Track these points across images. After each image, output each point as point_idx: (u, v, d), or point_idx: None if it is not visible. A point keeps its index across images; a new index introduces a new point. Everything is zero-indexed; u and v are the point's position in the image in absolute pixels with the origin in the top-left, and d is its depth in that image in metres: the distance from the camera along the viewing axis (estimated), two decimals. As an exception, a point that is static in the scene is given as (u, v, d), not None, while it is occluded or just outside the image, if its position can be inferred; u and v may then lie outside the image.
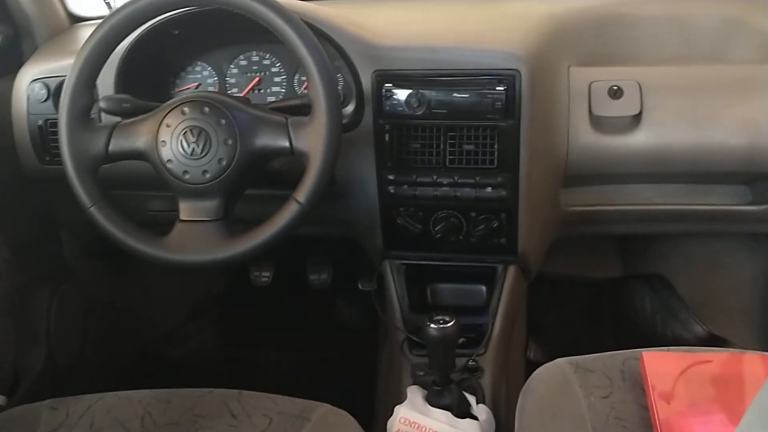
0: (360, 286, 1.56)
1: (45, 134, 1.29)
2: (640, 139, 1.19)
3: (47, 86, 1.28)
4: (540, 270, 1.41)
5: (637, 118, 1.19)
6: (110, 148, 1.05)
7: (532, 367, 1.09)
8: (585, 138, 1.21)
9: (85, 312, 1.58)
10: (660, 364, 0.99)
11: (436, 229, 1.22)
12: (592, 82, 1.20)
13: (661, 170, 1.24)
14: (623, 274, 1.83)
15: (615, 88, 1.19)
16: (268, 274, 1.72)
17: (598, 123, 1.20)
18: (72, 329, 1.53)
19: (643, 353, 1.01)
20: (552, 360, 1.07)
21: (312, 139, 1.00)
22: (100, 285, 1.66)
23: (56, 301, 1.46)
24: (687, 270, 1.72)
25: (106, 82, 1.21)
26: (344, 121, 1.18)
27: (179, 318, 1.87)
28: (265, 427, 0.98)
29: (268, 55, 1.30)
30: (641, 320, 1.74)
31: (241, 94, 1.31)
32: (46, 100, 1.28)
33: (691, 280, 1.71)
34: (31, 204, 1.41)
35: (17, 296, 1.37)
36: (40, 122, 1.29)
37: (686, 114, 1.18)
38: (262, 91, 1.31)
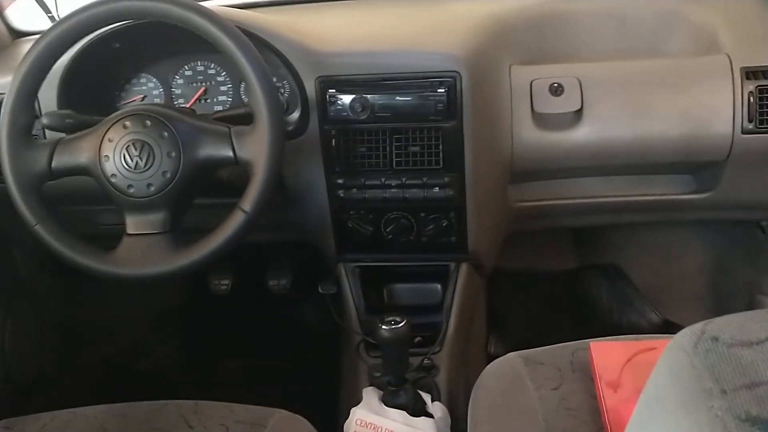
0: (320, 290, 1.56)
1: None
2: (582, 134, 1.22)
3: None
4: (498, 264, 1.43)
5: (578, 114, 1.21)
6: (53, 165, 1.04)
7: (493, 361, 1.10)
8: (528, 135, 1.23)
9: (43, 328, 1.56)
10: (607, 354, 1.01)
11: (387, 230, 1.24)
12: (533, 80, 1.22)
13: (605, 163, 1.26)
14: (579, 265, 1.86)
15: (555, 85, 1.21)
16: (227, 282, 1.72)
17: (540, 120, 1.22)
18: (29, 347, 1.51)
19: (591, 343, 1.03)
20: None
21: (255, 148, 1.01)
22: (58, 300, 1.64)
23: (11, 320, 1.44)
24: (640, 259, 1.76)
25: (48, 97, 1.20)
26: (290, 127, 1.19)
27: (140, 330, 1.86)
28: None
29: (213, 65, 1.30)
30: (598, 310, 1.77)
31: (188, 105, 1.31)
32: None
33: (645, 269, 1.75)
34: None
35: None
36: None
37: (626, 107, 1.21)
38: (209, 101, 1.31)
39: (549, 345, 1.08)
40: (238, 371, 1.78)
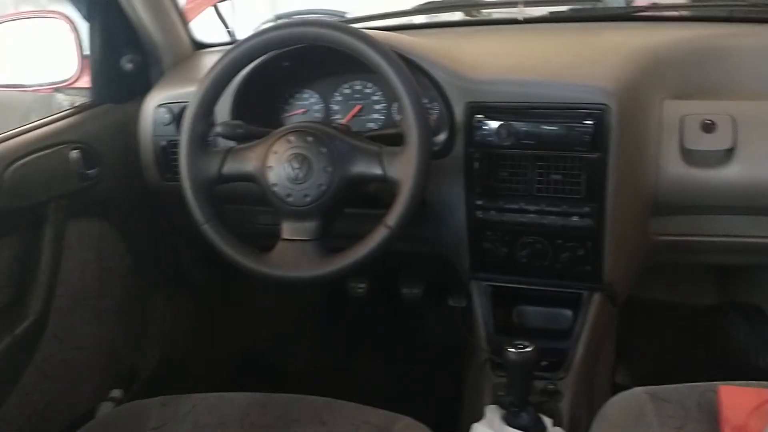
0: (450, 302, 1.61)
1: (167, 154, 1.42)
2: (732, 173, 1.19)
3: (171, 111, 1.40)
4: (632, 293, 1.42)
5: (729, 152, 1.18)
6: (223, 170, 1.15)
7: (619, 390, 1.10)
8: (675, 170, 1.21)
9: (198, 318, 1.70)
10: (736, 398, 0.99)
11: (522, 253, 1.26)
12: (684, 116, 1.21)
13: (754, 204, 1.23)
14: (718, 301, 1.79)
15: (708, 122, 1.19)
16: (363, 285, 1.80)
17: (689, 156, 1.21)
18: (184, 332, 1.65)
19: (721, 386, 1.02)
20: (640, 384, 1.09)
21: (403, 169, 1.07)
22: (212, 291, 1.78)
23: (171, 306, 1.59)
24: None
25: (223, 108, 1.32)
26: (436, 148, 1.24)
27: (281, 326, 1.98)
28: None
29: (369, 85, 1.38)
30: (735, 350, 1.71)
31: (343, 121, 1.39)
32: (169, 124, 1.41)
33: None
34: (153, 217, 1.54)
35: (137, 300, 1.50)
36: (164, 143, 1.42)
37: None
38: (363, 117, 1.39)
39: (678, 381, 1.07)
40: (367, 373, 1.85)
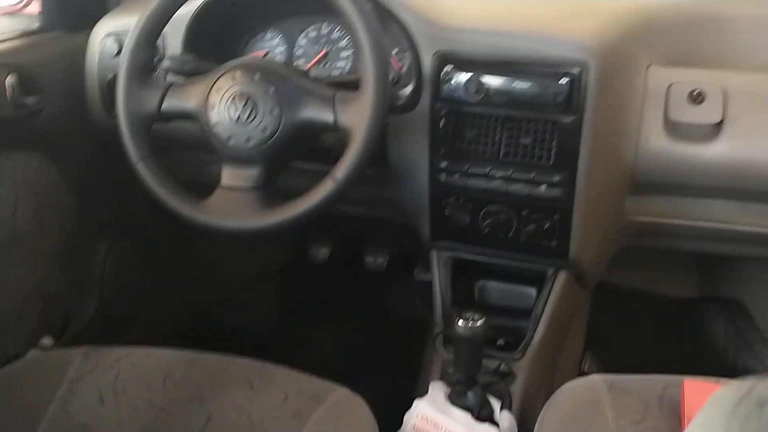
0: (416, 275, 1.52)
1: (113, 88, 1.30)
2: (719, 150, 1.10)
3: (120, 41, 1.30)
4: (606, 280, 1.33)
5: (717, 127, 1.09)
6: (163, 106, 1.06)
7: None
8: (657, 143, 1.12)
9: (144, 268, 1.61)
10: (701, 394, 0.91)
11: (485, 223, 1.17)
12: (671, 84, 1.11)
13: (742, 186, 1.13)
14: (698, 294, 1.71)
15: (696, 92, 1.09)
16: (325, 251, 1.72)
17: (673, 129, 1.11)
18: (127, 282, 1.56)
19: (686, 381, 0.94)
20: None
21: (356, 115, 0.98)
22: (164, 244, 1.69)
23: (114, 253, 1.50)
24: None
25: (175, 42, 1.23)
26: (401, 102, 1.15)
27: (238, 286, 1.90)
28: (280, 402, 0.97)
29: (338, 29, 1.28)
30: (711, 347, 1.63)
31: (307, 67, 1.29)
32: (116, 55, 1.30)
33: None
34: (100, 156, 1.44)
35: (77, 243, 1.41)
36: (110, 76, 1.31)
37: None
38: (327, 65, 1.29)
39: (646, 374, 0.99)
40: (322, 340, 1.77)
